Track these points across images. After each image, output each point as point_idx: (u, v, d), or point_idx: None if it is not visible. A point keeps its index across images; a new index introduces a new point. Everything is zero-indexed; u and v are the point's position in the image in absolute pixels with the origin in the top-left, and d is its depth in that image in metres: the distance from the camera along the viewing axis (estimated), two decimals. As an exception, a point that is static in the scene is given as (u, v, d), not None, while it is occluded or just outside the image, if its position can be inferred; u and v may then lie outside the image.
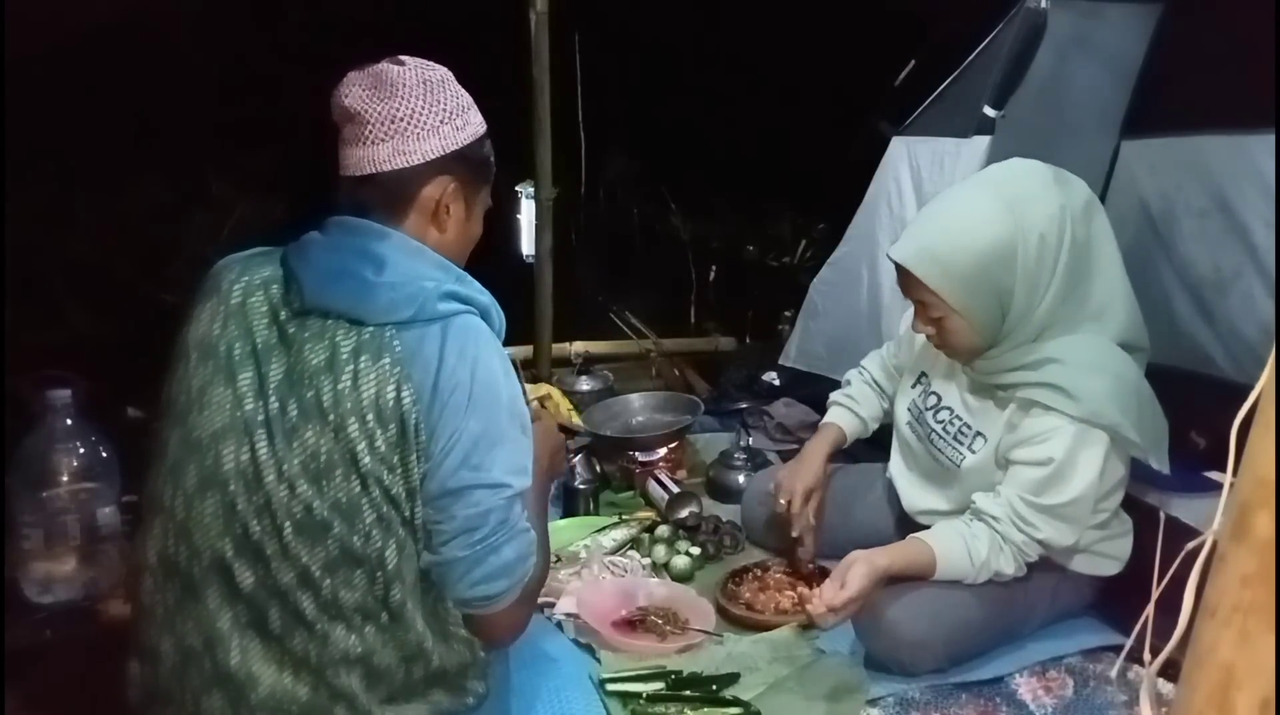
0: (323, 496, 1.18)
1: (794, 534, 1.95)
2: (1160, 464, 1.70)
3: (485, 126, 1.35)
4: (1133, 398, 1.65)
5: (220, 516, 1.19)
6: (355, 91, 1.26)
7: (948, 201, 1.75)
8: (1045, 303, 1.66)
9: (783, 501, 1.95)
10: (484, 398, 1.22)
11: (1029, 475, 1.64)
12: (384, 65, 1.27)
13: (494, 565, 1.24)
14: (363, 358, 1.19)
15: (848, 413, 2.08)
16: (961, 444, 1.78)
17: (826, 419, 2.10)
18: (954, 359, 1.80)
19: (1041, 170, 1.71)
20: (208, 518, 1.19)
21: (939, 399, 1.85)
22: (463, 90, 1.33)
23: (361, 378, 1.18)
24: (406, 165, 1.26)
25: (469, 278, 1.31)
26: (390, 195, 1.28)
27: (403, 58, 1.29)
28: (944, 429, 1.82)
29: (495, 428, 1.23)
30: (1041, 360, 1.66)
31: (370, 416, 1.18)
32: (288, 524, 1.18)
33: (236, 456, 1.19)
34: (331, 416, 1.18)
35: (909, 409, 1.92)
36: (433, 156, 1.27)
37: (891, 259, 1.71)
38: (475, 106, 1.34)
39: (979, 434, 1.76)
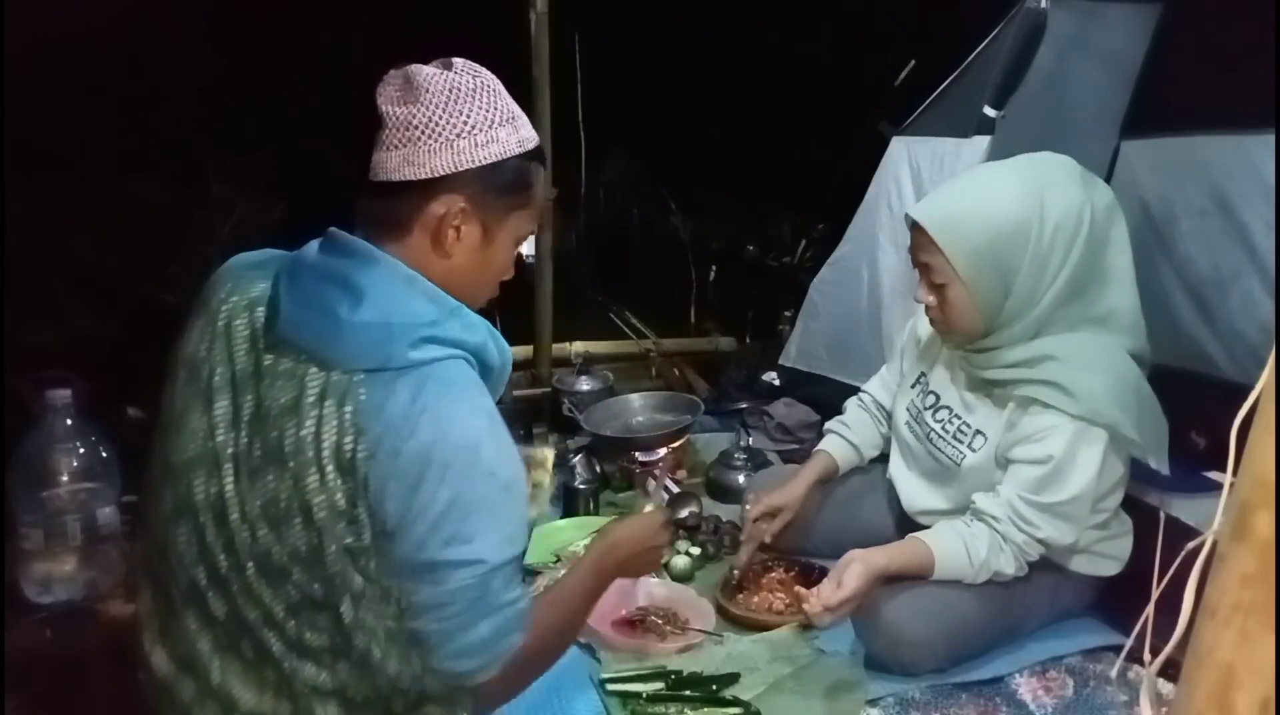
0: (281, 542, 1.13)
1: (741, 538, 1.96)
2: (1160, 464, 1.70)
3: (528, 145, 1.23)
4: (1132, 397, 1.65)
5: (194, 545, 1.16)
6: (387, 91, 1.19)
7: (975, 173, 1.79)
8: (1049, 297, 1.67)
9: (747, 508, 1.96)
10: (457, 462, 1.10)
11: (1028, 474, 1.64)
12: (423, 66, 1.19)
13: (465, 642, 1.14)
14: (327, 403, 1.11)
15: (840, 441, 2.07)
16: (961, 443, 1.78)
17: (819, 447, 2.09)
18: (949, 341, 1.79)
19: (1072, 166, 1.73)
20: (181, 544, 1.17)
21: (937, 398, 1.85)
22: (506, 103, 1.21)
23: (324, 424, 1.10)
24: (413, 178, 1.17)
25: (463, 312, 1.19)
26: (393, 208, 1.19)
27: (455, 60, 1.20)
28: (943, 428, 1.82)
29: (470, 495, 1.11)
30: (1040, 357, 1.66)
31: (330, 467, 1.10)
32: (250, 564, 1.14)
33: (206, 488, 1.16)
34: (291, 463, 1.11)
35: (907, 409, 1.93)
36: (442, 172, 1.16)
37: (908, 218, 1.71)
38: (517, 122, 1.22)
39: (979, 432, 1.76)
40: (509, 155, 1.21)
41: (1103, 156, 2.36)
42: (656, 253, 3.95)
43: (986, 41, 2.31)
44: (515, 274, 1.34)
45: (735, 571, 1.96)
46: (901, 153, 2.52)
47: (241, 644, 1.17)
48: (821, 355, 2.81)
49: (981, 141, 2.25)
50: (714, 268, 3.75)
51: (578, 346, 3.27)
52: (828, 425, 2.13)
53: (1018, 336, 1.69)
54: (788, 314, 3.12)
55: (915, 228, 1.70)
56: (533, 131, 1.25)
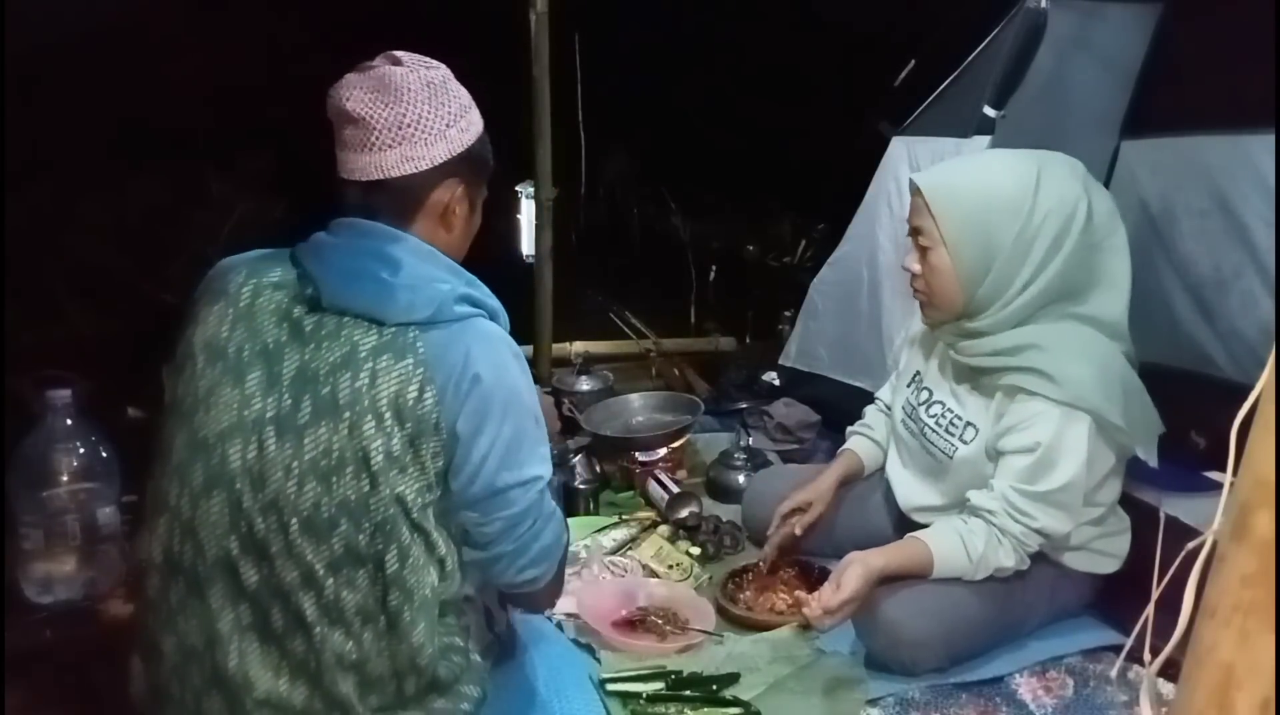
0: (331, 494, 1.18)
1: (769, 532, 1.99)
2: (1148, 455, 1.71)
3: (482, 122, 1.36)
4: (1117, 385, 1.66)
5: (226, 514, 1.19)
6: (358, 94, 1.25)
7: (982, 153, 1.87)
8: (1036, 286, 1.68)
9: (780, 512, 1.98)
10: (512, 402, 1.26)
11: (1019, 463, 1.66)
12: (384, 67, 1.27)
13: (536, 551, 1.33)
14: (384, 357, 1.20)
15: (863, 440, 2.10)
16: (953, 435, 1.80)
17: (844, 447, 2.12)
18: (930, 318, 1.82)
19: (1077, 165, 1.76)
20: (214, 516, 1.20)
21: (930, 394, 1.87)
22: (462, 88, 1.33)
23: (380, 376, 1.19)
24: (416, 171, 1.27)
25: (478, 281, 1.32)
26: (400, 200, 1.28)
27: (398, 55, 1.28)
28: (936, 422, 1.84)
29: (522, 427, 1.28)
30: (1024, 345, 1.68)
31: (388, 415, 1.18)
32: (294, 521, 1.18)
33: (243, 454, 1.19)
34: (347, 414, 1.18)
35: (903, 407, 1.94)
36: (441, 161, 1.28)
37: (911, 184, 1.76)
38: (474, 103, 1.34)
39: (969, 424, 1.77)
40: (480, 133, 1.34)
41: (1103, 156, 2.36)
42: (656, 253, 3.95)
43: (986, 41, 2.31)
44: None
45: (762, 564, 1.98)
46: (901, 153, 2.52)
47: (271, 613, 1.19)
48: (821, 355, 2.81)
49: (981, 141, 2.24)
50: (714, 268, 3.75)
51: (578, 346, 3.28)
52: (850, 428, 2.15)
53: (1002, 323, 1.71)
54: (788, 314, 3.12)
55: (915, 193, 1.74)
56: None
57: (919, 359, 1.95)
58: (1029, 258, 1.67)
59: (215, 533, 1.20)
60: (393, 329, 1.21)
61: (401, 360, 1.20)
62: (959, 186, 1.72)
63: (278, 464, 1.19)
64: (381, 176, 1.26)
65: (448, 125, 1.28)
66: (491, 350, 1.25)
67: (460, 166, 1.30)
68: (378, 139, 1.25)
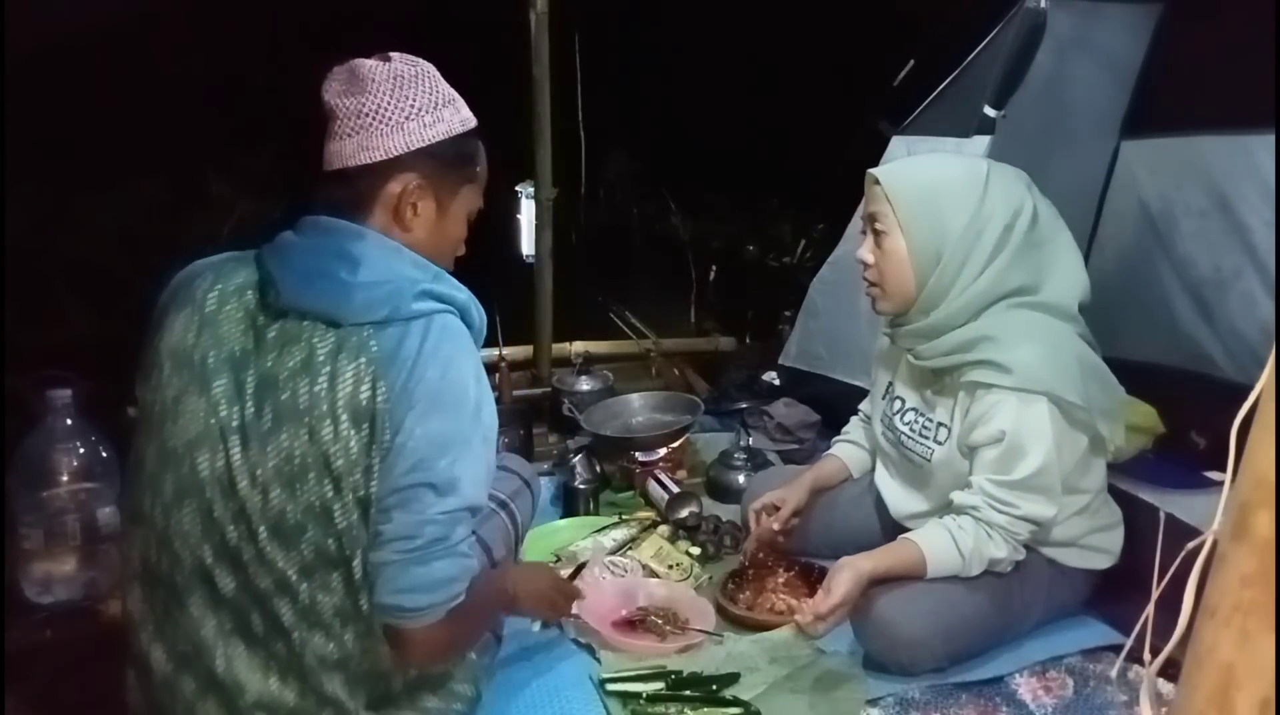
0: (296, 500, 1.17)
1: (750, 525, 2.02)
2: (1111, 433, 1.71)
3: (470, 124, 1.33)
4: (1072, 364, 1.68)
5: (199, 524, 1.19)
6: (333, 86, 1.27)
7: (939, 153, 1.95)
8: (983, 279, 1.71)
9: (753, 508, 2.02)
10: (448, 399, 1.19)
11: (989, 455, 1.67)
12: (364, 61, 1.27)
13: (419, 577, 1.19)
14: (340, 358, 1.18)
15: (845, 445, 2.13)
16: (927, 438, 1.81)
17: (825, 452, 2.15)
18: (883, 309, 1.83)
19: (1025, 177, 1.80)
20: (186, 526, 1.19)
21: (903, 402, 1.89)
22: (444, 87, 1.31)
23: (338, 378, 1.17)
24: (369, 161, 1.25)
25: (446, 275, 1.30)
26: (355, 191, 1.27)
27: (391, 55, 1.28)
28: (910, 428, 1.86)
29: (455, 432, 1.20)
30: (975, 339, 1.70)
31: (345, 417, 1.17)
32: (263, 528, 1.17)
33: (212, 464, 1.18)
34: (307, 419, 1.17)
35: (881, 419, 1.97)
36: (395, 153, 1.25)
37: (869, 176, 1.79)
38: (457, 103, 1.32)
39: (941, 425, 1.79)
40: (453, 133, 1.30)
41: (1103, 156, 2.36)
42: (656, 253, 3.96)
43: (986, 41, 2.31)
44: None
45: (743, 560, 2.01)
46: (901, 152, 2.51)
47: (251, 619, 1.19)
48: (821, 355, 2.80)
49: (982, 141, 2.24)
50: (714, 268, 3.75)
51: (578, 346, 3.27)
52: (835, 438, 2.17)
53: (955, 317, 1.72)
54: (788, 314, 3.12)
55: (872, 184, 1.77)
56: (470, 112, 1.34)
57: (888, 370, 1.97)
58: (979, 244, 1.70)
59: (189, 542, 1.19)
60: (349, 330, 1.19)
61: (355, 360, 1.18)
62: (914, 174, 1.78)
63: (244, 472, 1.18)
64: (340, 165, 1.26)
65: (407, 117, 1.25)
66: (442, 344, 1.20)
67: (419, 161, 1.27)
68: (339, 128, 1.26)
